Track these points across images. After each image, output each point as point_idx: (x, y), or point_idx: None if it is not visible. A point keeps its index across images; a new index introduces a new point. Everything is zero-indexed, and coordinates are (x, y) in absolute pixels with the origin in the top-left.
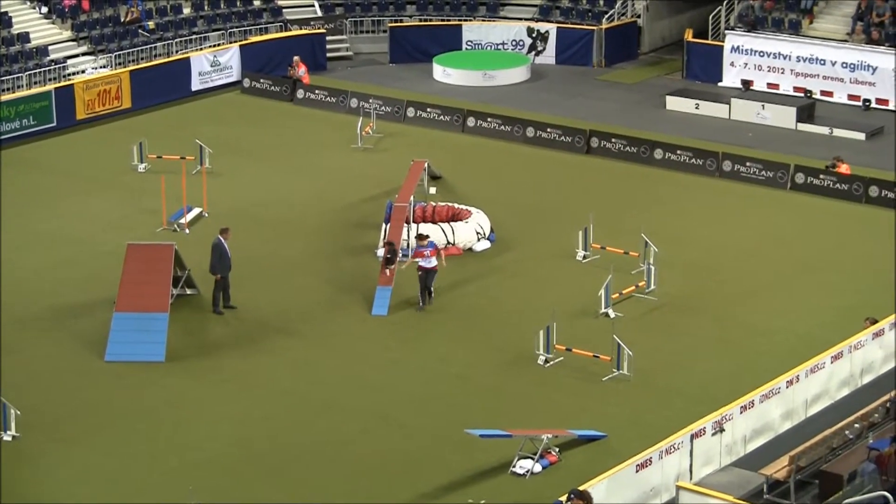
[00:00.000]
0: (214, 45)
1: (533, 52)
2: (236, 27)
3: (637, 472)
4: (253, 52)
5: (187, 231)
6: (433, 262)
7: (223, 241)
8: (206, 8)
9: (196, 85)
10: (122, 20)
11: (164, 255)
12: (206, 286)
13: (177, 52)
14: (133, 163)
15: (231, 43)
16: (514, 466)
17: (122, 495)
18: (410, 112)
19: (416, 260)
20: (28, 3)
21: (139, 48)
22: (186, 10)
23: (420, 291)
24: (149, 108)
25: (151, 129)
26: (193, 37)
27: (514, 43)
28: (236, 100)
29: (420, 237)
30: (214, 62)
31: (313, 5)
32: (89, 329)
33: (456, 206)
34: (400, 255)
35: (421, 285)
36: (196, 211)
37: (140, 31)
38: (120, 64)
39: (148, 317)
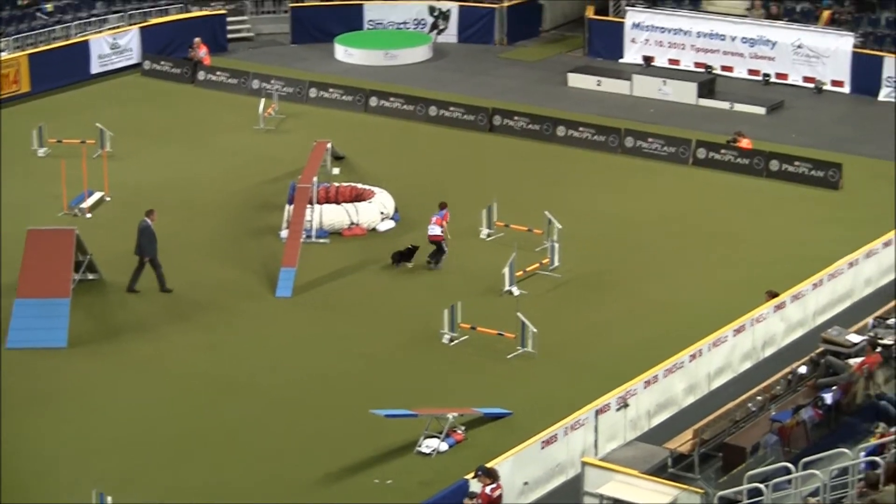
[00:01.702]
0: (114, 28)
1: (435, 31)
2: (136, 9)
3: (543, 448)
4: (153, 33)
5: (88, 215)
6: (436, 231)
7: (150, 222)
8: None
9: (95, 68)
10: (20, 2)
11: (66, 241)
12: (108, 270)
13: (76, 34)
14: (33, 147)
15: (131, 25)
16: (419, 446)
17: (27, 482)
18: (313, 92)
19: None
20: None
21: (37, 31)
22: None
23: (434, 252)
24: (48, 91)
25: (51, 113)
26: (93, 19)
27: (415, 22)
28: (137, 82)
29: (442, 205)
30: (114, 45)
31: None
32: None
33: (359, 186)
34: (304, 235)
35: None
36: (97, 195)
37: (38, 13)
38: (18, 47)
39: (49, 302)
